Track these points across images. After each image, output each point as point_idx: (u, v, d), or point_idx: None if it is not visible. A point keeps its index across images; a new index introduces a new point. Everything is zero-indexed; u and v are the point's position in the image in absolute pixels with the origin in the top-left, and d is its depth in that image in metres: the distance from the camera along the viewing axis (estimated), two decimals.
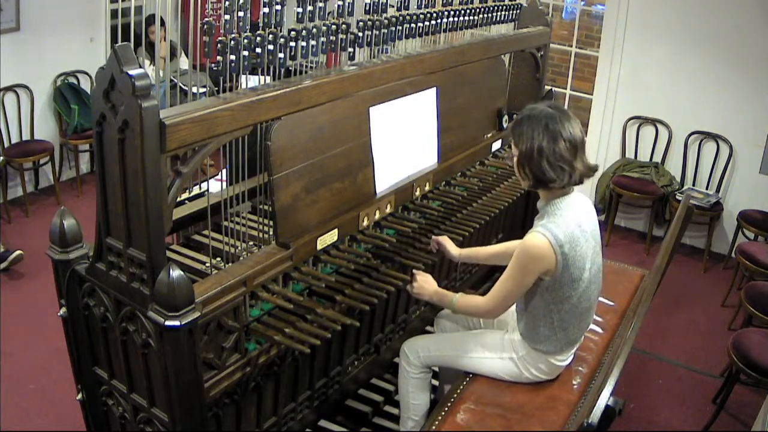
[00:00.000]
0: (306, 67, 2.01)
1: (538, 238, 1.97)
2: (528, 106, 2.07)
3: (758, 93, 4.45)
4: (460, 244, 2.51)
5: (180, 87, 2.86)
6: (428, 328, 3.01)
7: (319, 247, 2.11)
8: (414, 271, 2.27)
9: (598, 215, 5.38)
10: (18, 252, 3.97)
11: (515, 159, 2.05)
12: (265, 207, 2.05)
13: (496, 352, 2.22)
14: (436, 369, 2.51)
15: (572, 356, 2.26)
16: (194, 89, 1.87)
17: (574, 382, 2.25)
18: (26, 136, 4.86)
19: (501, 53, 3.10)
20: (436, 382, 2.57)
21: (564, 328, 2.12)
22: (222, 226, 1.98)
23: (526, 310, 2.15)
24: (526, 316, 2.15)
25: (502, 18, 3.03)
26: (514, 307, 2.31)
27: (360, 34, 2.18)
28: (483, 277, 3.32)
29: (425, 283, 2.24)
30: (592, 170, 2.05)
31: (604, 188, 4.98)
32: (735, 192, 4.71)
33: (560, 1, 5.88)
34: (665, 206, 4.84)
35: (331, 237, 2.15)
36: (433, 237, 2.44)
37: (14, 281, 3.90)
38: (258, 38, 1.82)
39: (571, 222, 2.01)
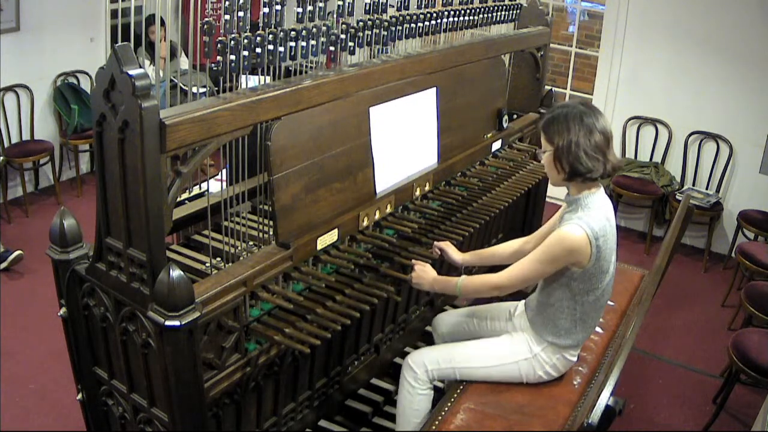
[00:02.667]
0: (306, 67, 2.01)
1: (576, 231, 1.98)
2: (556, 104, 2.11)
3: (758, 93, 4.44)
4: (461, 244, 2.51)
5: (180, 87, 2.85)
6: (428, 328, 3.01)
7: (319, 247, 2.11)
8: (413, 261, 2.26)
9: None
10: (18, 252, 3.97)
11: (549, 155, 2.05)
12: (265, 207, 2.05)
13: (512, 356, 2.20)
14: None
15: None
16: (194, 89, 1.87)
17: (574, 382, 2.25)
18: (26, 136, 4.86)
19: (501, 53, 3.10)
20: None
21: (584, 321, 2.13)
22: (222, 226, 1.98)
23: (549, 301, 2.14)
24: (548, 309, 2.15)
25: (502, 18, 3.03)
26: (521, 306, 2.31)
27: (360, 34, 2.18)
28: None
29: (423, 272, 2.22)
30: (621, 164, 2.10)
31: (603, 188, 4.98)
32: (735, 192, 4.71)
33: (560, 1, 5.88)
34: (665, 206, 4.84)
35: (331, 237, 2.14)
36: (435, 243, 2.42)
37: (14, 281, 3.90)
38: (258, 38, 1.82)
39: (602, 215, 2.04)
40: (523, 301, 2.35)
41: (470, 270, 3.18)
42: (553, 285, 2.11)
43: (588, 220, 1.99)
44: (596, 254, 1.99)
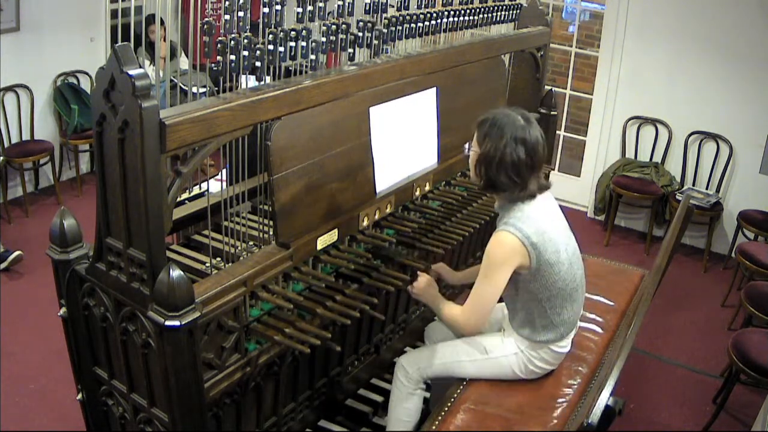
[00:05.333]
0: (306, 67, 2.01)
1: (504, 235, 1.99)
2: (501, 109, 2.08)
3: (758, 93, 4.44)
4: (460, 244, 2.50)
5: (180, 87, 2.85)
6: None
7: (319, 247, 2.11)
8: (419, 273, 2.26)
9: (598, 215, 5.33)
10: (18, 252, 3.97)
11: (473, 155, 2.06)
12: (265, 207, 2.05)
13: (500, 351, 2.20)
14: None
15: (571, 342, 2.26)
16: (194, 89, 1.87)
17: (574, 382, 2.25)
18: (26, 136, 4.86)
19: (501, 53, 3.10)
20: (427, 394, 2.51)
21: (559, 313, 2.12)
22: (222, 226, 1.98)
23: (517, 307, 2.15)
24: (519, 313, 2.15)
25: (502, 18, 3.03)
26: (505, 310, 2.29)
27: (360, 34, 2.18)
28: None
29: (423, 285, 2.21)
30: (543, 189, 2.09)
31: (604, 188, 4.98)
32: (735, 192, 4.71)
33: (560, 1, 5.87)
34: (665, 206, 4.84)
35: (331, 237, 2.15)
36: (433, 266, 2.42)
37: (14, 281, 3.90)
38: (258, 46, 1.82)
39: (532, 213, 2.03)
40: None
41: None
42: (513, 293, 2.11)
43: (514, 222, 2.00)
44: (535, 253, 1.99)
